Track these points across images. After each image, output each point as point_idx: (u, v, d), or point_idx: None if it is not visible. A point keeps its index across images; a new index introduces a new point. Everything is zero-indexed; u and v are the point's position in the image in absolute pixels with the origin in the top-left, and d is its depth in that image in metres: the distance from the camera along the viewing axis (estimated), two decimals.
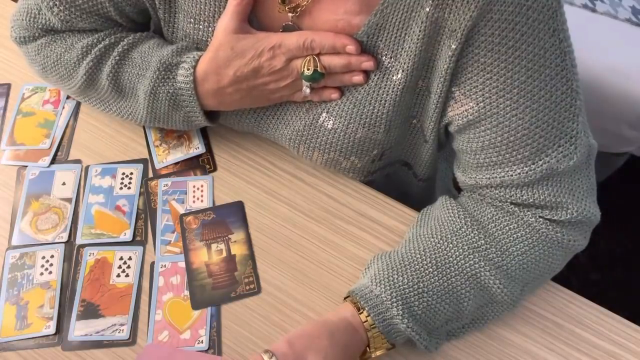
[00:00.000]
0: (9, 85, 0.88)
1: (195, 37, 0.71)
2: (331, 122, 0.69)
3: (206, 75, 0.68)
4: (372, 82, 0.66)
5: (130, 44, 0.72)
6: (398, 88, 0.65)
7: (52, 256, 0.74)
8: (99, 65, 0.72)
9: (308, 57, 0.65)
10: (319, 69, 0.65)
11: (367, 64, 0.64)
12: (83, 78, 0.73)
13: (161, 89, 0.70)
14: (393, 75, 0.64)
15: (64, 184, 0.79)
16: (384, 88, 0.65)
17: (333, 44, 0.63)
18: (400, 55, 0.63)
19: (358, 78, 0.66)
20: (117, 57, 0.72)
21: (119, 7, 0.71)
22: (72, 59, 0.73)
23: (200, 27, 0.70)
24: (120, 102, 0.76)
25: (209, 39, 0.70)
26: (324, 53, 0.65)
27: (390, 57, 0.64)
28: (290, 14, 0.65)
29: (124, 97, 0.75)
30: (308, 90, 0.67)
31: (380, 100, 0.66)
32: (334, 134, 0.70)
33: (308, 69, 0.65)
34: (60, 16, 0.71)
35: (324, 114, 0.69)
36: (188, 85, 0.69)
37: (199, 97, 0.70)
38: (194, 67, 0.68)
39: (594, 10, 1.23)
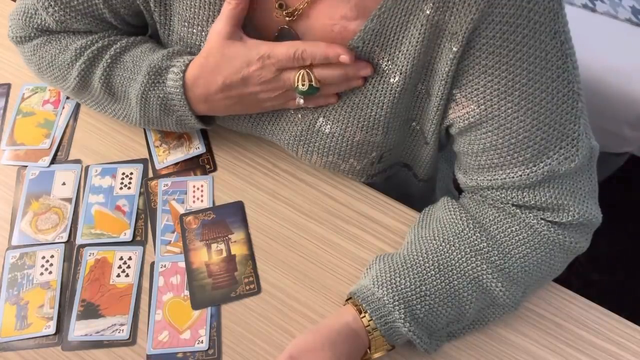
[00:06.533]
0: (9, 85, 0.88)
1: (189, 41, 0.70)
2: (328, 126, 0.69)
3: (196, 80, 0.67)
4: (369, 85, 0.65)
5: (123, 47, 0.72)
6: (396, 91, 0.64)
7: (52, 256, 0.74)
8: (91, 67, 0.72)
9: (302, 72, 0.63)
10: (314, 83, 0.63)
11: (364, 71, 0.63)
12: (76, 80, 0.73)
13: (152, 94, 0.70)
14: (390, 78, 0.64)
15: (64, 184, 0.79)
16: (381, 91, 0.65)
17: (325, 54, 0.62)
18: (398, 58, 0.62)
19: (356, 82, 0.65)
20: (109, 60, 0.71)
21: (114, 8, 0.70)
22: (65, 60, 0.73)
23: (194, 31, 0.69)
24: (114, 105, 0.76)
25: (202, 44, 0.69)
26: (316, 64, 0.63)
27: (387, 61, 0.63)
28: (287, 18, 0.64)
29: (117, 101, 0.75)
30: (302, 101, 0.66)
31: (378, 103, 0.65)
32: (332, 138, 0.69)
33: (303, 84, 0.63)
34: (56, 17, 0.71)
35: (320, 119, 0.69)
36: (178, 90, 0.68)
37: (190, 101, 0.70)
38: (184, 72, 0.68)
39: (594, 10, 1.23)
